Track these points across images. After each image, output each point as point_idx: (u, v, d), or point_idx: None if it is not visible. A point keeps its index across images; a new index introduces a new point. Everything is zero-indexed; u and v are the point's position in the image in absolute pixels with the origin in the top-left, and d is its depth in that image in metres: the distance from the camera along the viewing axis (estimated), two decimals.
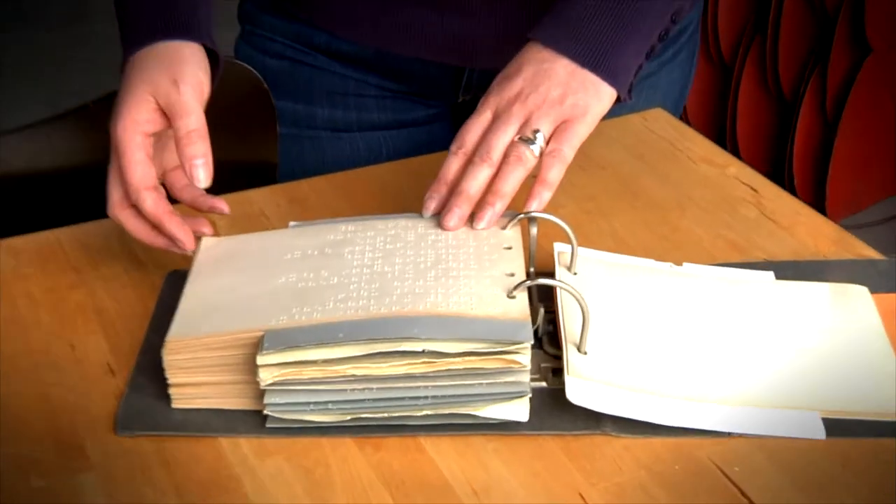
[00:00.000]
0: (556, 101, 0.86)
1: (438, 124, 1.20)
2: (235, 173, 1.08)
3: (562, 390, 0.77)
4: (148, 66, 0.85)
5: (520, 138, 0.86)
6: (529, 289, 0.80)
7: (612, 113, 0.93)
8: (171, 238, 0.84)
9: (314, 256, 0.84)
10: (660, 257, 0.92)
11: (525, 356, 0.74)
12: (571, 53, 0.87)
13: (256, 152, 1.12)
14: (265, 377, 0.74)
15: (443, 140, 1.16)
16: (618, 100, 0.91)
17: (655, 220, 1.00)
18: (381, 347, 0.74)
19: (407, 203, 1.01)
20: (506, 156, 0.86)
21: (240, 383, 0.77)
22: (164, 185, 0.89)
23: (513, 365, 0.74)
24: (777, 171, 2.44)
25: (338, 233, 0.87)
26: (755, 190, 1.03)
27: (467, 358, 0.74)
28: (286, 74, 1.15)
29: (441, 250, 0.84)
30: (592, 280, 0.87)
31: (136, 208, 0.85)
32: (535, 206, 0.85)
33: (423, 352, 0.74)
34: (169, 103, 0.84)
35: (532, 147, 0.86)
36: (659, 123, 1.14)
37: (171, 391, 0.78)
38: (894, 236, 2.40)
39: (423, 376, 0.75)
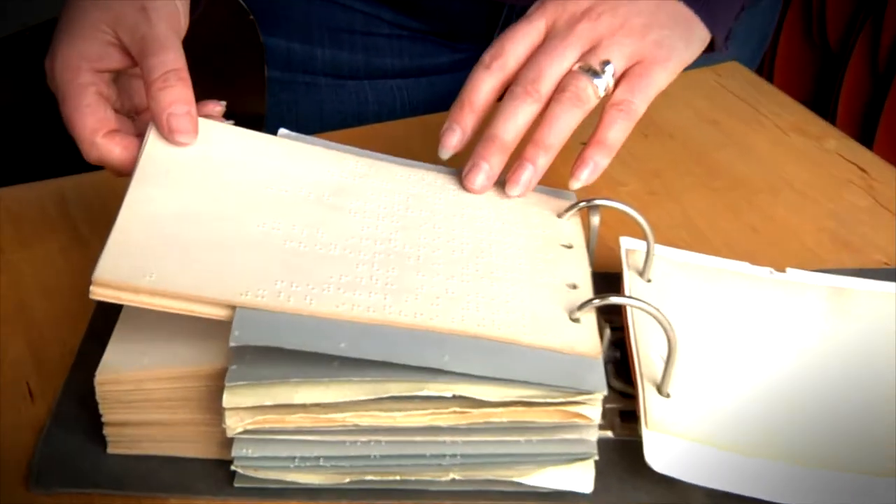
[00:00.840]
0: (637, 32, 0.65)
1: (466, 73, 0.97)
2: None
3: (635, 443, 0.57)
4: None
5: (581, 67, 0.64)
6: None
7: None
8: None
9: (309, 202, 0.62)
10: (751, 257, 0.71)
11: (595, 409, 0.54)
12: None
13: (238, 100, 0.90)
14: (233, 424, 0.54)
15: None
16: (709, 48, 0.69)
17: (741, 205, 0.79)
18: (395, 390, 0.53)
19: None
20: (560, 89, 0.64)
21: (199, 424, 0.57)
22: None
23: (576, 419, 0.54)
24: None
25: (343, 171, 0.66)
26: (864, 170, 0.82)
27: (514, 408, 0.54)
28: (279, 4, 0.94)
29: (481, 235, 0.63)
30: (672, 291, 0.66)
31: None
32: (587, 175, 0.64)
33: (454, 397, 0.53)
34: (137, 37, 0.64)
35: (597, 82, 0.64)
36: (736, 80, 0.93)
37: (107, 431, 0.58)
38: None
39: (452, 429, 0.55)
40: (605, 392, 0.54)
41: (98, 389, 0.56)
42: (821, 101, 2.22)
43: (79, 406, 0.60)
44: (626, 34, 0.65)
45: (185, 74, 0.63)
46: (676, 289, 0.66)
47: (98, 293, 0.53)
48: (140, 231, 0.57)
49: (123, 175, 0.64)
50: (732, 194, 0.80)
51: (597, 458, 0.55)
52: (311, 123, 0.93)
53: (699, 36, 0.68)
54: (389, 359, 0.53)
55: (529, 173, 0.64)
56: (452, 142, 0.66)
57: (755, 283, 0.68)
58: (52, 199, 0.75)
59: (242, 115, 0.90)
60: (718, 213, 0.78)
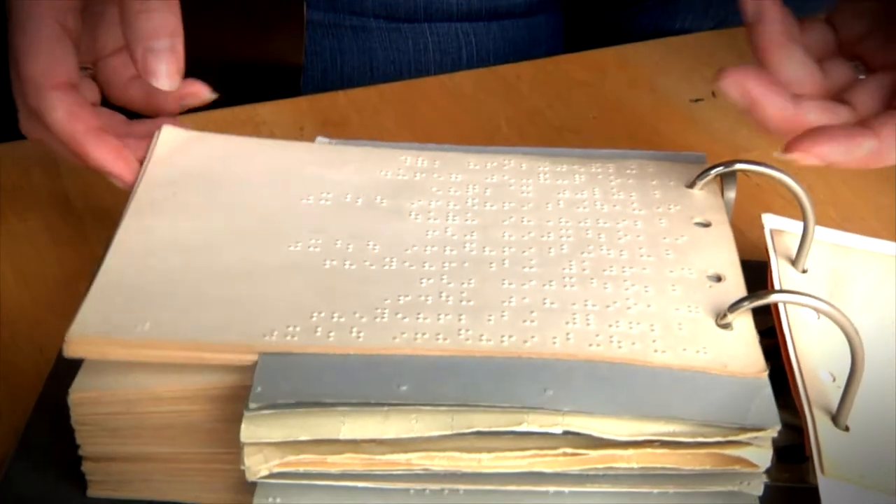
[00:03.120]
0: None
1: (545, 16, 0.83)
2: (237, 77, 0.73)
3: (800, 492, 0.43)
4: None
5: None
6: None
7: None
8: (97, 169, 0.49)
9: (357, 209, 0.49)
10: None
11: (764, 452, 0.39)
12: None
13: (271, 48, 0.75)
14: (255, 465, 0.39)
15: (551, 40, 0.80)
16: None
17: None
18: (481, 423, 0.38)
19: (500, 132, 0.66)
20: None
21: (209, 462, 0.42)
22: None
23: (735, 466, 0.39)
24: None
25: (398, 167, 0.52)
26: None
27: (647, 450, 0.39)
28: None
29: (586, 223, 0.48)
30: (835, 286, 0.51)
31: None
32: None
33: (564, 434, 0.38)
34: None
35: None
36: None
37: (87, 468, 0.43)
38: None
39: (560, 477, 0.40)
40: (778, 427, 0.38)
41: (74, 412, 0.41)
42: None
43: (53, 433, 0.45)
44: None
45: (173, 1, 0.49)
46: (841, 283, 0.51)
47: (76, 352, 0.40)
48: (134, 270, 0.44)
49: (61, 154, 0.51)
50: None
51: None
52: (360, 76, 0.78)
53: None
54: (469, 402, 0.38)
55: None
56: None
57: None
58: (40, 161, 0.61)
59: (276, 67, 0.75)
60: (871, 185, 0.63)
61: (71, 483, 0.43)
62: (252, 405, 0.38)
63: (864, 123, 0.46)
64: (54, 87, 0.49)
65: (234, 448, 0.39)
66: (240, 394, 0.39)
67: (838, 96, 0.48)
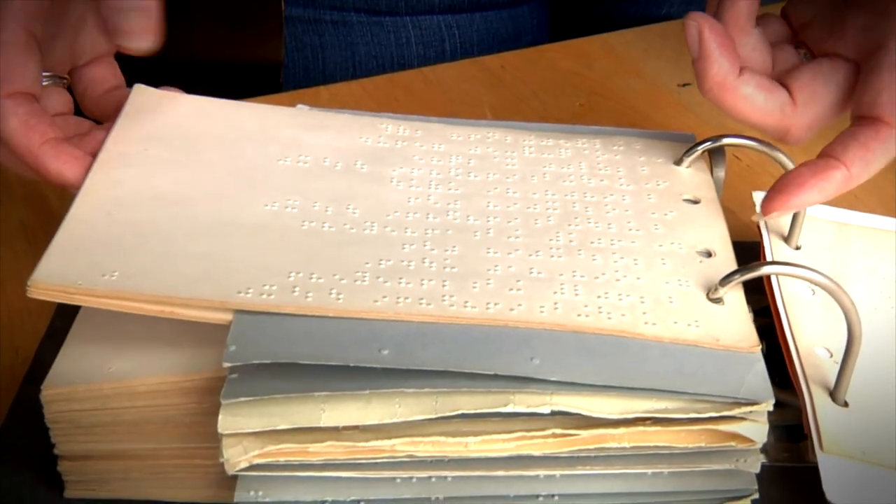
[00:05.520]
0: None
1: (529, 7, 0.82)
2: (218, 75, 0.71)
3: (799, 471, 0.42)
4: None
5: None
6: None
7: None
8: (57, 182, 0.47)
9: (336, 172, 0.47)
10: None
11: (759, 427, 0.38)
12: None
13: (249, 45, 0.74)
14: (235, 457, 0.38)
15: (536, 31, 0.79)
16: None
17: None
18: (466, 405, 0.37)
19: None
20: None
21: (189, 457, 0.41)
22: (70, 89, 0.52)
23: (731, 443, 0.37)
24: None
25: (378, 135, 0.51)
26: None
27: (639, 428, 0.38)
28: None
29: (573, 196, 0.47)
30: (829, 261, 0.50)
31: None
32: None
33: (552, 414, 0.37)
34: None
35: None
36: None
37: (63, 467, 0.42)
38: None
39: (549, 460, 0.38)
40: (772, 401, 0.37)
41: (47, 409, 0.40)
42: None
43: (29, 434, 0.43)
44: None
45: None
46: (836, 259, 0.50)
47: (40, 294, 0.39)
48: (101, 221, 0.42)
49: (8, 164, 0.47)
50: None
51: (756, 496, 0.39)
52: (342, 71, 0.76)
53: None
54: (453, 367, 0.37)
55: None
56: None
57: None
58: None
59: (255, 64, 0.74)
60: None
61: (48, 484, 0.42)
62: (226, 364, 0.37)
63: (826, 153, 0.45)
64: (9, 95, 0.46)
65: (214, 442, 0.38)
66: (216, 385, 0.38)
67: (780, 78, 0.47)
